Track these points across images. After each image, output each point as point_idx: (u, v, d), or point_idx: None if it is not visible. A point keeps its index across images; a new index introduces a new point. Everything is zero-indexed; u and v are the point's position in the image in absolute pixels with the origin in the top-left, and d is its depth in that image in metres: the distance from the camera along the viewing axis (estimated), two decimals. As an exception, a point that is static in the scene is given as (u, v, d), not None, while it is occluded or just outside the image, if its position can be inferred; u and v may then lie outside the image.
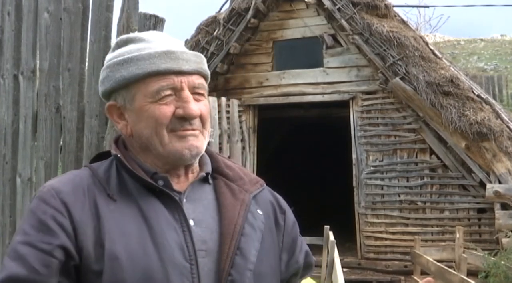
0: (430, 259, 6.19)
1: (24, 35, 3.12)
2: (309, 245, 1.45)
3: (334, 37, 9.08)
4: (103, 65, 1.20)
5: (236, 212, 1.12)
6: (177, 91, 1.12)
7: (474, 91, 8.18)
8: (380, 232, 8.63)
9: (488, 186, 7.59)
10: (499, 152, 7.62)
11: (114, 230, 1.02)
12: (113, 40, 2.80)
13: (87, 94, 2.88)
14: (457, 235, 6.87)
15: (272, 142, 12.14)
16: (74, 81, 2.92)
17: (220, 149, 7.45)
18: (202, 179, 1.17)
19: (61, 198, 1.04)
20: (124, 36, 1.21)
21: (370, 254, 8.69)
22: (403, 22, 9.25)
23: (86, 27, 2.93)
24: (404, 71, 8.22)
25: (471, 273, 6.10)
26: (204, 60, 1.19)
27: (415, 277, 6.94)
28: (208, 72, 1.20)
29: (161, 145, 1.11)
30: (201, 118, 1.14)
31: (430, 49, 8.65)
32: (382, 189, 8.70)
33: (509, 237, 6.99)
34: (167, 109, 1.10)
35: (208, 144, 1.21)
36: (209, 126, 1.19)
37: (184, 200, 1.11)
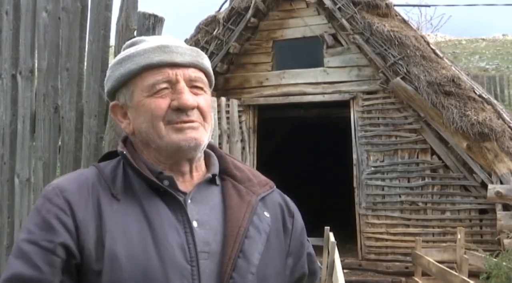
0: (431, 260, 6.16)
1: (22, 35, 3.10)
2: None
3: (334, 36, 9.05)
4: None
5: (241, 214, 1.11)
6: (172, 84, 1.12)
7: (476, 91, 8.15)
8: (381, 233, 8.61)
9: (490, 186, 7.55)
10: (501, 152, 7.58)
11: (115, 229, 1.03)
12: (112, 40, 2.78)
13: (85, 94, 2.86)
14: (459, 236, 6.84)
15: (272, 142, 12.11)
16: (72, 81, 2.91)
17: (220, 149, 7.41)
18: (209, 180, 1.16)
19: (64, 196, 1.05)
20: (129, 41, 1.23)
21: (371, 255, 8.67)
22: (404, 21, 9.22)
23: (85, 27, 2.92)
24: (405, 71, 8.19)
25: (473, 274, 6.08)
26: (202, 54, 1.18)
27: (416, 279, 6.91)
28: (208, 67, 1.19)
29: (159, 137, 1.11)
30: (201, 111, 1.13)
31: (431, 48, 8.63)
32: (383, 189, 8.67)
33: (511, 238, 6.94)
34: (162, 102, 1.11)
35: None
36: (211, 120, 1.17)
37: (189, 201, 1.11)
